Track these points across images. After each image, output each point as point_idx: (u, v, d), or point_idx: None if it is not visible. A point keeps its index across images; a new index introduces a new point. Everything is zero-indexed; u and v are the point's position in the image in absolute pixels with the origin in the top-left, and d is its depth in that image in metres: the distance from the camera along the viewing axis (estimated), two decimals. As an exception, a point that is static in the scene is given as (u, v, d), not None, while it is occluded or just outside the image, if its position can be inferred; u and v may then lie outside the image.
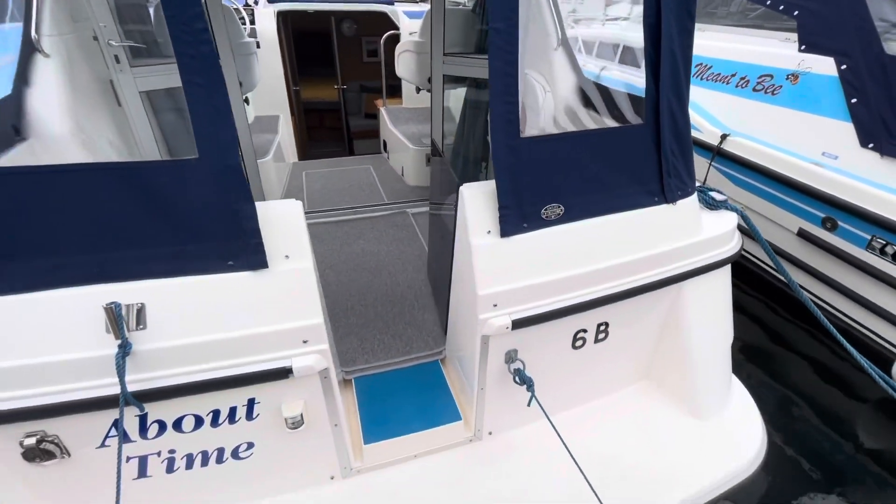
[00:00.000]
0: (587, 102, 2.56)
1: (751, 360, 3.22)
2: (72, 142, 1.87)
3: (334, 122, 6.06)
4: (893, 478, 2.45)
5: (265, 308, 1.28)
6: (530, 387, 1.56)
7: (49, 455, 1.24)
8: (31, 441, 1.21)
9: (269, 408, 1.38)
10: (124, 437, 1.30)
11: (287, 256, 1.30)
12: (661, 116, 1.61)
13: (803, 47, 3.38)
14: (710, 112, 4.01)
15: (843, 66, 3.09)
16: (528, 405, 1.58)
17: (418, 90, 3.83)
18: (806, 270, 3.23)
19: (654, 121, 1.62)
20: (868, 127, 2.95)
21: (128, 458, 1.34)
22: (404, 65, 3.44)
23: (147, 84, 2.09)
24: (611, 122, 2.36)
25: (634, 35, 5.31)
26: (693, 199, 1.82)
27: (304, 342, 1.32)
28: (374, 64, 5.78)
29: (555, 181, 1.53)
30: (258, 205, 1.26)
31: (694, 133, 3.88)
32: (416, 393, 1.83)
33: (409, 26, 4.47)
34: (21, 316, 1.14)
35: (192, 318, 1.23)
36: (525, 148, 1.45)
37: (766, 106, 3.62)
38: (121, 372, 1.14)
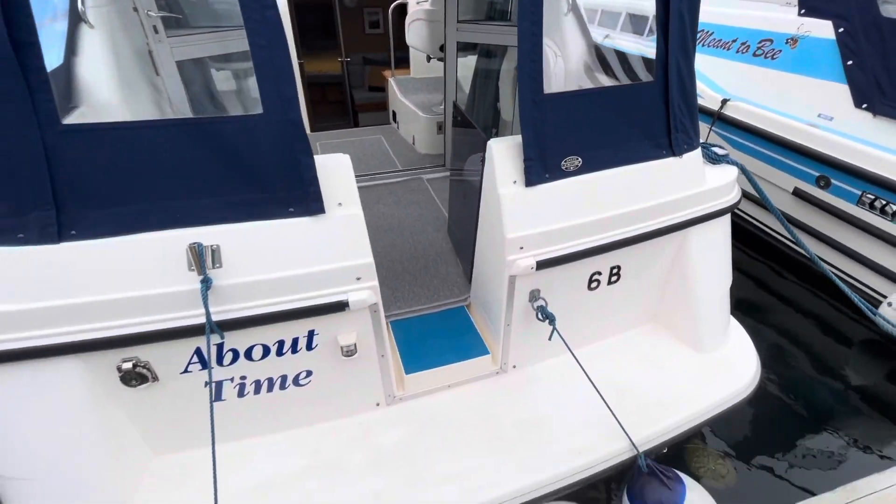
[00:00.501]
0: (597, 67, 2.68)
1: (743, 310, 3.43)
2: (119, 109, 2.01)
3: (337, 95, 6.10)
4: (873, 410, 2.69)
5: (323, 249, 1.45)
6: (552, 322, 1.76)
7: (142, 379, 1.43)
8: (128, 365, 1.39)
9: (326, 339, 1.57)
10: (204, 365, 1.49)
11: (340, 204, 1.47)
12: (669, 74, 1.76)
13: (803, 11, 3.49)
14: (712, 78, 4.12)
15: (841, 29, 3.21)
16: (550, 339, 1.78)
17: (429, 59, 3.91)
18: (800, 228, 3.41)
19: (663, 79, 1.77)
20: (862, 88, 3.09)
21: (205, 383, 1.53)
22: (415, 33, 3.52)
23: (182, 53, 2.21)
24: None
25: (638, 3, 5.35)
26: (697, 152, 1.98)
27: (358, 279, 1.50)
28: (376, 35, 5.80)
29: (574, 135, 1.69)
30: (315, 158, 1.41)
31: (695, 98, 4.01)
32: (447, 333, 2.03)
33: None
34: (118, 256, 1.30)
35: (260, 258, 1.40)
36: (548, 104, 1.60)
37: (766, 70, 3.73)
38: (206, 302, 1.31)
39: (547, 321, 1.77)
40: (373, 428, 1.74)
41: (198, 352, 1.46)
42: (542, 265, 1.70)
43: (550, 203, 1.70)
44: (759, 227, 3.88)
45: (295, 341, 1.54)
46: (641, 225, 1.85)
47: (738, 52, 4.00)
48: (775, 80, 3.64)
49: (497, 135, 3.29)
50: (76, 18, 1.96)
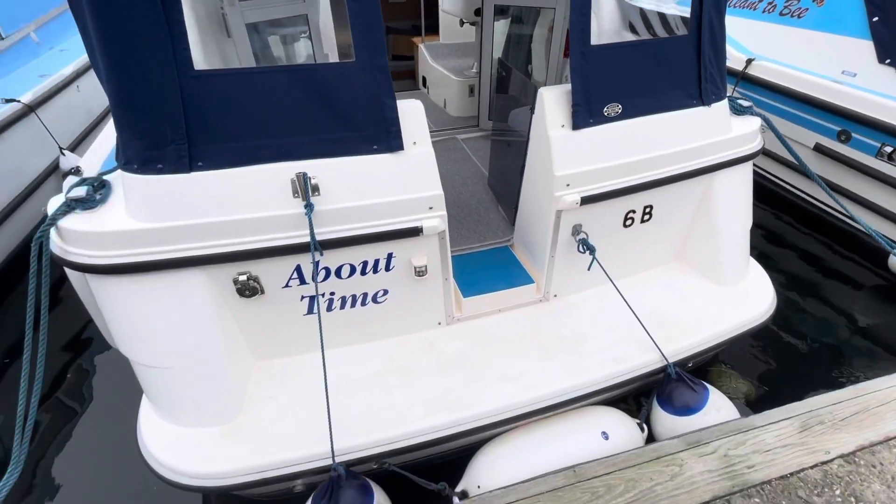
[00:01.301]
0: (625, 26, 2.83)
1: (758, 259, 3.64)
2: (202, 66, 2.24)
3: None
4: (879, 348, 2.91)
5: (401, 181, 1.70)
6: (593, 252, 2.00)
7: (253, 291, 1.71)
8: (244, 278, 1.68)
9: (401, 261, 1.83)
10: (302, 281, 1.77)
11: (414, 143, 1.70)
12: (702, 28, 1.93)
13: (831, -33, 3.54)
14: (737, 39, 4.19)
15: (869, -16, 3.27)
16: (589, 269, 2.02)
17: (462, 23, 4.05)
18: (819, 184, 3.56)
19: (696, 32, 1.94)
20: (886, 43, 3.18)
21: (301, 297, 1.82)
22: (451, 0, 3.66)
23: (250, 17, 2.42)
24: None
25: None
26: (724, 103, 2.16)
27: (430, 208, 1.75)
28: (398, 5, 5.90)
29: (615, 84, 1.89)
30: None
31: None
32: (495, 265, 2.28)
33: None
34: (235, 184, 1.56)
35: (349, 188, 1.65)
36: (594, 54, 1.80)
37: (792, 29, 3.81)
38: (310, 223, 1.57)
39: (588, 252, 2.01)
40: (437, 341, 2.02)
41: (297, 269, 1.74)
42: (586, 201, 1.93)
43: (594, 145, 1.91)
44: (773, 180, 4.03)
45: (377, 262, 1.81)
46: (673, 167, 2.06)
47: (764, 11, 4.07)
48: (801, 39, 3.73)
49: (524, 92, 3.46)
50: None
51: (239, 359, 1.82)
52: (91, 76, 4.81)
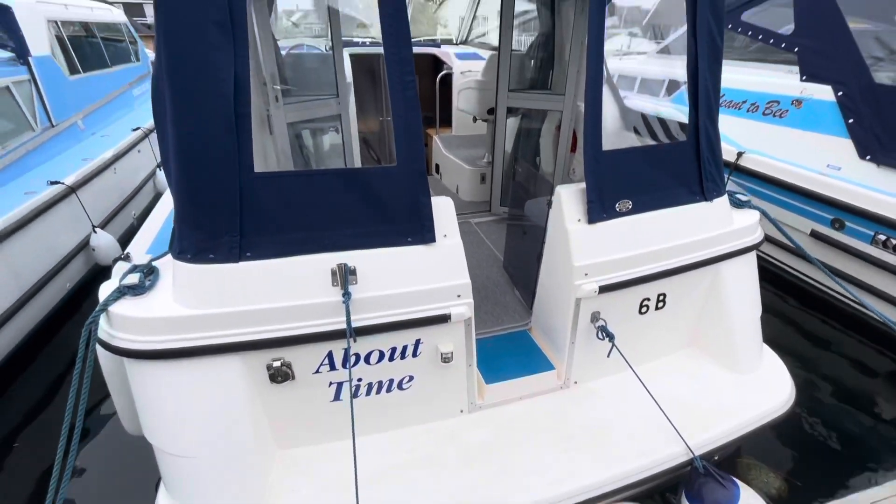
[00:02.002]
0: (628, 127, 3.13)
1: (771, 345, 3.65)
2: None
3: (375, 150, 6.73)
4: (907, 437, 2.85)
5: (432, 271, 1.80)
6: (612, 339, 2.06)
7: (285, 377, 1.75)
8: (277, 363, 1.72)
9: (429, 347, 1.89)
10: (332, 367, 1.81)
11: (445, 235, 1.84)
12: (700, 135, 2.16)
13: (804, 77, 3.97)
14: (726, 134, 4.55)
15: (840, 93, 3.66)
16: (608, 356, 2.07)
17: (475, 120, 4.45)
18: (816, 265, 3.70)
19: (694, 138, 2.17)
20: (865, 142, 3.48)
21: (329, 383, 1.84)
22: (465, 99, 4.07)
23: (291, 117, 2.70)
24: (650, 142, 2.92)
25: (652, 69, 5.97)
26: (724, 198, 2.34)
27: (458, 296, 1.84)
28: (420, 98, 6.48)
29: (625, 183, 2.07)
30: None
31: (712, 152, 4.43)
32: (516, 351, 2.32)
33: (461, 66, 5.15)
34: (278, 274, 1.67)
35: (384, 277, 1.76)
36: (606, 158, 2.00)
37: (776, 127, 4.18)
38: (347, 311, 1.66)
39: (607, 339, 2.07)
40: (460, 430, 2.01)
41: (329, 355, 1.79)
42: (603, 289, 2.02)
43: (608, 237, 2.05)
44: (778, 264, 4.17)
45: (405, 348, 1.86)
46: (682, 258, 2.19)
47: (748, 111, 4.48)
48: (785, 136, 4.07)
49: (537, 184, 3.73)
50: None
51: (264, 448, 1.81)
52: (126, 159, 5.18)
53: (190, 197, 1.59)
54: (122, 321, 1.61)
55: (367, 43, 5.80)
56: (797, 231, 3.82)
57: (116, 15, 7.21)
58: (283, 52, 3.03)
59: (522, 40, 4.32)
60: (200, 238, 1.61)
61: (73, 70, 5.31)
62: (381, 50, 5.66)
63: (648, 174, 2.13)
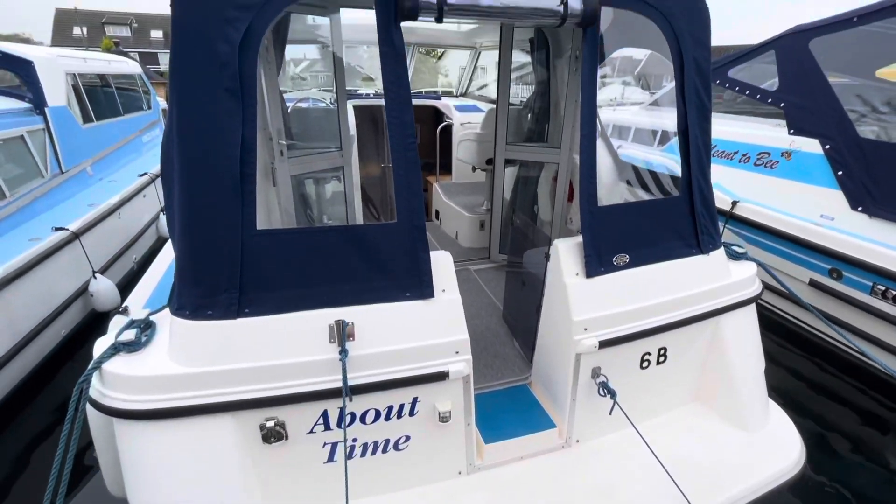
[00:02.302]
0: (622, 178, 3.21)
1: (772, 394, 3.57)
2: None
3: (377, 194, 6.87)
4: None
5: (431, 327, 1.79)
6: (614, 396, 2.02)
7: (278, 437, 1.70)
8: (271, 423, 1.68)
9: (426, 406, 1.84)
10: (325, 427, 1.76)
11: (443, 290, 1.84)
12: (693, 190, 2.21)
13: (792, 131, 4.11)
14: (720, 183, 4.68)
15: (827, 146, 3.78)
16: (611, 413, 2.02)
17: (474, 169, 4.57)
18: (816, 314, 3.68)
19: (687, 193, 2.22)
20: (855, 194, 3.56)
21: (324, 444, 1.79)
22: (465, 150, 4.20)
23: (295, 170, 2.77)
24: (642, 193, 2.98)
25: (644, 120, 6.20)
26: (721, 250, 2.37)
27: (456, 353, 1.82)
28: (421, 146, 6.70)
29: (621, 237, 2.10)
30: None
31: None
32: (515, 407, 2.26)
33: (461, 118, 5.35)
34: (276, 330, 1.66)
35: (382, 333, 1.75)
36: (602, 213, 2.04)
37: (767, 178, 4.29)
38: (344, 370, 1.63)
39: (608, 395, 2.02)
40: (458, 493, 1.92)
41: (324, 414, 1.74)
42: (604, 344, 2.00)
43: (607, 291, 2.06)
44: (777, 313, 4.14)
45: (401, 407, 1.82)
46: (681, 311, 2.18)
47: (740, 161, 4.61)
48: (777, 186, 4.17)
49: (535, 233, 3.78)
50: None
51: (253, 512, 1.73)
52: (131, 204, 5.27)
53: (192, 254, 1.61)
54: (114, 379, 1.59)
55: (372, 95, 6.05)
56: (796, 280, 3.83)
57: (132, 66, 7.57)
58: (290, 105, 3.15)
59: (520, 93, 4.52)
60: (200, 294, 1.61)
61: (86, 119, 5.51)
62: (380, 101, 5.84)
63: (644, 228, 2.16)
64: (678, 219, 2.24)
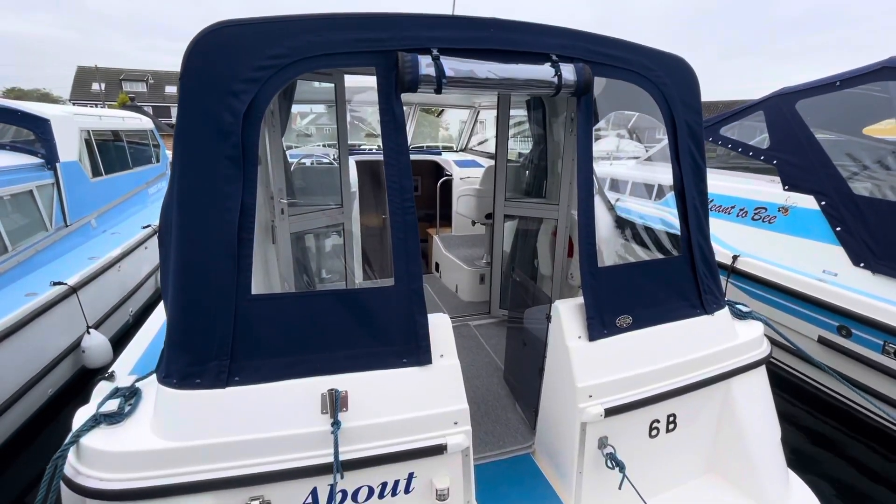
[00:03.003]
0: (620, 235, 3.22)
1: (789, 457, 3.37)
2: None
3: (377, 245, 6.92)
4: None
5: (428, 395, 1.71)
6: (622, 469, 1.89)
7: (262, 517, 1.58)
8: (256, 503, 1.56)
9: (422, 482, 1.72)
10: (315, 505, 1.64)
11: (441, 355, 1.78)
12: (693, 250, 2.20)
13: (786, 187, 4.18)
14: (718, 236, 4.70)
15: (823, 203, 3.82)
16: (620, 488, 1.89)
17: (473, 223, 4.62)
18: (828, 372, 3.55)
19: (688, 253, 2.21)
20: (856, 250, 3.55)
21: (312, 525, 1.65)
22: (464, 205, 4.26)
23: (294, 227, 2.79)
24: (639, 250, 2.97)
25: (640, 174, 6.34)
26: (725, 310, 2.32)
27: (455, 423, 1.73)
28: (418, 198, 6.84)
29: (623, 298, 2.06)
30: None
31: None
32: (519, 481, 2.13)
33: (460, 173, 5.48)
34: (265, 399, 1.58)
35: (376, 403, 1.67)
36: (603, 274, 2.01)
37: (766, 232, 4.30)
38: (335, 444, 1.54)
39: (617, 468, 1.90)
40: (458, 583, 1.76)
41: (313, 492, 1.63)
42: (610, 412, 1.91)
43: (611, 355, 1.99)
44: (788, 370, 4.01)
45: (396, 483, 1.70)
46: (689, 375, 2.10)
47: (737, 216, 4.65)
48: (776, 241, 4.18)
49: (536, 289, 3.75)
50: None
51: None
52: (132, 256, 5.28)
53: (185, 319, 1.57)
54: (91, 455, 1.49)
55: (375, 150, 6.25)
56: (804, 337, 3.74)
57: (145, 122, 7.88)
58: (294, 161, 3.23)
59: (518, 148, 4.64)
60: (189, 362, 1.56)
61: (96, 173, 5.66)
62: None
63: (646, 289, 2.13)
64: (680, 279, 2.21)
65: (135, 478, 1.47)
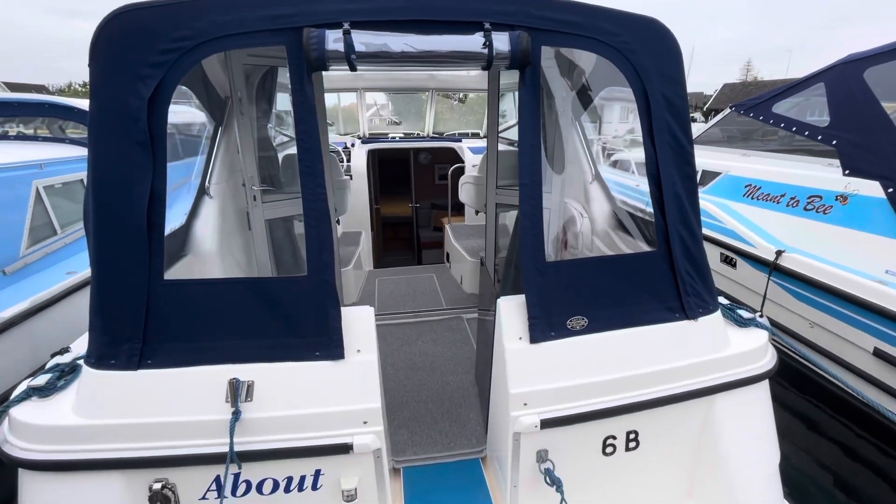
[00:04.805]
0: (620, 226, 2.89)
1: (830, 483, 2.87)
2: (215, 256, 2.55)
3: (407, 233, 6.92)
4: None
5: (338, 391, 1.64)
6: (559, 488, 1.69)
7: (165, 500, 1.60)
8: (157, 486, 1.58)
9: (330, 480, 1.66)
10: (218, 493, 1.63)
11: (358, 350, 1.69)
12: (672, 244, 1.90)
13: (847, 172, 3.53)
14: (764, 228, 4.11)
15: (890, 190, 3.18)
16: (565, 508, 1.69)
17: (477, 213, 4.43)
18: (884, 390, 2.97)
19: (665, 247, 1.90)
20: (928, 247, 2.92)
21: (218, 513, 1.65)
22: (465, 193, 4.09)
23: (270, 214, 2.81)
24: (640, 242, 2.65)
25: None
26: (716, 316, 1.98)
27: (364, 423, 1.63)
28: (443, 186, 6.74)
29: (577, 297, 1.83)
30: (341, 309, 1.69)
31: (745, 247, 3.98)
32: (457, 489, 1.99)
33: (473, 160, 5.28)
34: (174, 384, 1.59)
35: (284, 396, 1.62)
36: (551, 270, 1.79)
37: (820, 224, 3.68)
38: (231, 432, 1.52)
39: (554, 486, 1.70)
40: (367, 586, 1.68)
41: (217, 480, 1.62)
42: (547, 424, 1.71)
43: (556, 361, 1.78)
44: (835, 385, 3.42)
45: (302, 479, 1.65)
46: (655, 388, 1.83)
47: (787, 205, 4.03)
48: (831, 234, 3.56)
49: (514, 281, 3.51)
50: (202, 192, 2.66)
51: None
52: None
53: (100, 301, 1.61)
54: (16, 426, 1.59)
55: (398, 138, 6.20)
56: (857, 348, 3.16)
57: (196, 115, 8.46)
58: (282, 151, 3.24)
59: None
60: (105, 343, 1.60)
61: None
62: (406, 144, 5.96)
63: (609, 288, 1.87)
64: (655, 277, 1.92)
65: (51, 450, 1.54)
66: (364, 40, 1.55)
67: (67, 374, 1.78)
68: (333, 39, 1.54)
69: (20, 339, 3.39)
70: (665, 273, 1.92)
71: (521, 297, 1.85)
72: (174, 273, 2.32)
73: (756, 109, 4.51)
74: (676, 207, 1.90)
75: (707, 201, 4.73)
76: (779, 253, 3.73)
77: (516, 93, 1.84)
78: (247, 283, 1.71)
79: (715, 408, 1.92)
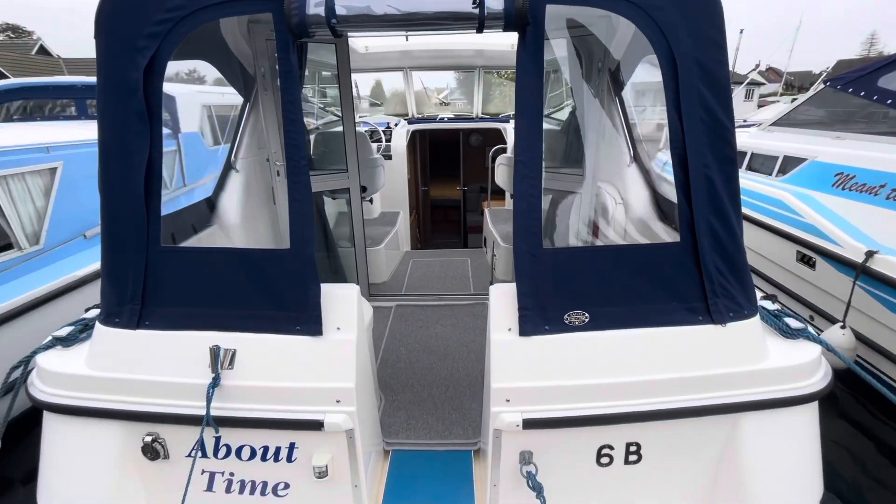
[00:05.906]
0: (663, 216, 2.57)
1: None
2: (238, 228, 2.65)
3: (455, 216, 6.84)
4: None
5: (313, 367, 1.62)
6: (540, 494, 1.55)
7: (154, 453, 1.70)
8: (149, 438, 1.69)
9: (305, 454, 1.66)
10: (202, 453, 1.70)
11: (338, 328, 1.65)
12: (698, 235, 1.62)
13: (972, 158, 2.86)
14: (854, 224, 3.49)
15: None
16: (540, 514, 1.56)
17: (512, 196, 4.23)
18: None
19: (690, 239, 1.64)
20: None
21: (202, 471, 1.73)
22: (500, 175, 3.90)
23: None
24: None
25: (763, 143, 5.01)
26: (752, 322, 1.68)
27: (337, 402, 1.61)
28: (482, 170, 6.54)
29: (579, 290, 1.64)
30: (325, 286, 1.66)
31: (828, 245, 3.42)
32: (443, 479, 1.92)
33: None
34: (166, 347, 1.67)
35: (264, 367, 1.63)
36: (547, 258, 1.62)
37: (928, 222, 3.04)
38: (209, 398, 1.56)
39: (535, 492, 1.57)
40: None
41: (201, 440, 1.69)
42: (530, 424, 1.57)
43: (548, 357, 1.62)
44: None
45: (277, 450, 1.67)
46: (665, 399, 1.61)
47: (888, 198, 3.38)
48: (942, 236, 2.92)
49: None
50: (228, 167, 2.77)
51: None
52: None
53: (107, 263, 1.72)
54: (39, 371, 1.77)
55: (446, 119, 6.08)
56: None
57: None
58: (317, 127, 3.29)
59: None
60: (112, 302, 1.72)
61: (215, 142, 6.63)
62: (454, 125, 5.84)
63: (618, 281, 1.66)
64: (675, 273, 1.66)
65: (66, 395, 1.70)
66: (345, 3, 1.47)
67: (90, 327, 1.94)
68: (314, 4, 1.47)
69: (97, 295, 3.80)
70: (688, 268, 1.65)
71: (514, 286, 1.70)
72: (198, 241, 2.45)
73: (857, 83, 3.79)
74: (706, 193, 1.62)
75: (786, 191, 4.12)
76: (870, 254, 3.14)
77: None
78: (234, 252, 1.73)
79: (741, 429, 1.65)
